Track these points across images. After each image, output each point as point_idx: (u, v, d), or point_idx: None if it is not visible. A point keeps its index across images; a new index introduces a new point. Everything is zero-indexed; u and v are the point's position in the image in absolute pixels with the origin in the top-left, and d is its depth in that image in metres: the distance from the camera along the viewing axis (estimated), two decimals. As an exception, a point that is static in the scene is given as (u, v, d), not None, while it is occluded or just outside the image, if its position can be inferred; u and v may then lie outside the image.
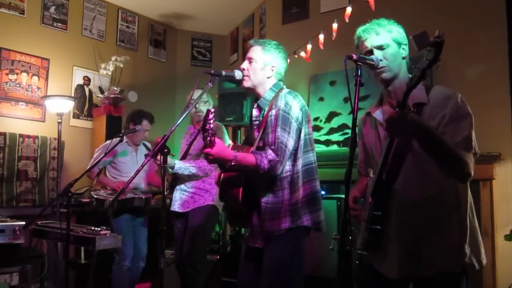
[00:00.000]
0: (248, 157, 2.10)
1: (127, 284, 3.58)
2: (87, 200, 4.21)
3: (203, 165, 3.28)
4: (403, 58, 1.79)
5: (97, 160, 3.37)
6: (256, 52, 2.31)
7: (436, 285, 1.68)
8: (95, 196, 3.61)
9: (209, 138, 2.01)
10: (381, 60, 1.74)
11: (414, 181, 1.68)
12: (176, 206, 3.37)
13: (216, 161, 2.14)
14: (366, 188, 1.87)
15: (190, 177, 3.35)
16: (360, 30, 1.82)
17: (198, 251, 3.32)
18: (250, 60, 2.30)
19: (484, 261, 1.70)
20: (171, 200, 3.42)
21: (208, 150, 2.03)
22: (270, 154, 2.11)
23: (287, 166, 2.22)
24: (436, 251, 1.65)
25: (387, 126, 1.51)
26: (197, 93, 3.32)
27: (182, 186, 3.39)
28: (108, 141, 3.75)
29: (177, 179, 3.40)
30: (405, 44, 1.79)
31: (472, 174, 1.61)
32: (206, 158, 2.10)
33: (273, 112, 2.21)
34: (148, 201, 3.72)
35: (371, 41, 1.77)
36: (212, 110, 2.01)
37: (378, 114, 1.83)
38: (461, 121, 1.61)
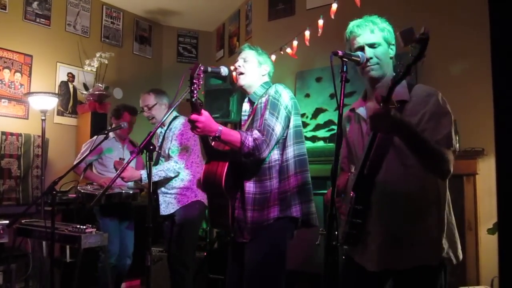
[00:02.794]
0: (233, 132, 2.10)
1: (113, 282, 3.56)
2: (74, 195, 4.16)
3: (170, 166, 3.24)
4: (391, 58, 1.82)
5: (82, 157, 3.35)
6: (250, 53, 2.38)
7: (415, 279, 1.70)
8: (82, 191, 3.58)
9: (196, 97, 1.93)
10: (371, 58, 1.76)
11: (396, 175, 1.70)
12: (162, 210, 3.35)
13: (203, 132, 2.07)
14: (347, 182, 1.89)
15: (167, 179, 3.31)
16: (353, 25, 1.82)
17: (187, 248, 3.31)
18: (245, 59, 2.36)
19: (461, 256, 1.74)
20: (157, 203, 3.40)
21: (196, 116, 1.98)
22: (256, 133, 2.11)
23: (276, 155, 2.22)
24: (415, 245, 1.68)
25: (371, 121, 1.53)
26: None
27: (163, 188, 3.36)
28: (95, 137, 3.70)
29: (156, 183, 3.34)
30: (393, 44, 1.83)
31: (452, 171, 1.63)
32: (193, 126, 2.02)
33: (263, 99, 2.24)
34: (135, 196, 3.70)
35: (364, 38, 1.78)
36: (201, 66, 1.96)
37: (361, 110, 1.86)
38: (442, 119, 1.64)
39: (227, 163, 2.19)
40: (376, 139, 1.63)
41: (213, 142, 2.29)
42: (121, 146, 3.95)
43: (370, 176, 1.68)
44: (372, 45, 1.77)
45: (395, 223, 1.70)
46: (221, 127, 2.05)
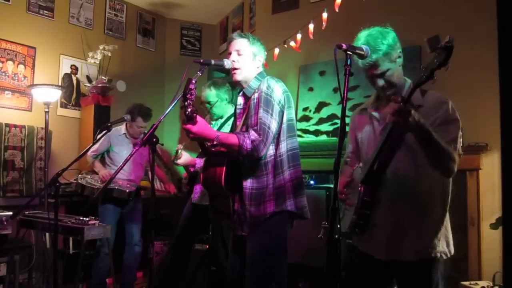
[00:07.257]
0: (230, 137, 2.10)
1: (105, 271, 3.58)
2: (72, 181, 4.12)
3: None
4: (400, 66, 1.87)
5: (86, 149, 3.37)
6: (243, 44, 2.33)
7: (417, 270, 1.82)
8: (78, 181, 3.61)
9: (190, 110, 1.94)
10: (383, 84, 1.84)
11: (407, 173, 1.81)
12: (196, 199, 3.33)
13: (198, 139, 2.15)
14: (351, 175, 1.97)
15: None
16: (360, 62, 1.85)
17: None
18: (239, 53, 2.31)
19: (452, 251, 1.86)
20: (190, 191, 3.37)
21: (189, 126, 2.00)
22: (253, 134, 2.11)
23: (271, 150, 2.22)
24: (419, 238, 1.80)
25: (394, 116, 1.59)
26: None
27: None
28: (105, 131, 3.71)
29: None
30: (399, 52, 1.86)
31: (455, 171, 1.76)
32: (187, 135, 2.05)
33: (256, 95, 2.23)
34: (130, 195, 3.68)
35: (372, 72, 1.83)
36: (194, 80, 1.95)
37: (376, 113, 1.94)
38: (451, 125, 1.77)
39: (225, 162, 2.19)
40: (391, 138, 1.71)
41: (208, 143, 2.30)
42: (131, 145, 3.95)
43: (379, 172, 1.78)
44: (382, 75, 1.82)
45: (403, 217, 1.81)
46: (218, 133, 2.07)
